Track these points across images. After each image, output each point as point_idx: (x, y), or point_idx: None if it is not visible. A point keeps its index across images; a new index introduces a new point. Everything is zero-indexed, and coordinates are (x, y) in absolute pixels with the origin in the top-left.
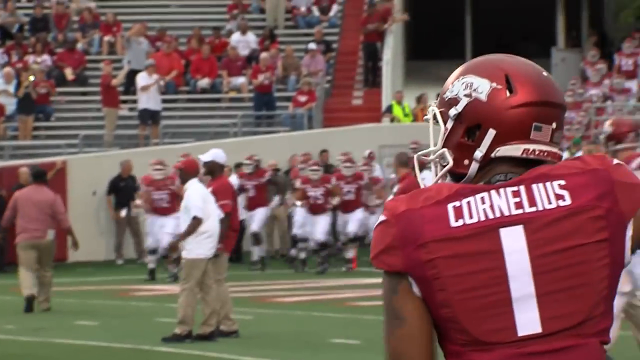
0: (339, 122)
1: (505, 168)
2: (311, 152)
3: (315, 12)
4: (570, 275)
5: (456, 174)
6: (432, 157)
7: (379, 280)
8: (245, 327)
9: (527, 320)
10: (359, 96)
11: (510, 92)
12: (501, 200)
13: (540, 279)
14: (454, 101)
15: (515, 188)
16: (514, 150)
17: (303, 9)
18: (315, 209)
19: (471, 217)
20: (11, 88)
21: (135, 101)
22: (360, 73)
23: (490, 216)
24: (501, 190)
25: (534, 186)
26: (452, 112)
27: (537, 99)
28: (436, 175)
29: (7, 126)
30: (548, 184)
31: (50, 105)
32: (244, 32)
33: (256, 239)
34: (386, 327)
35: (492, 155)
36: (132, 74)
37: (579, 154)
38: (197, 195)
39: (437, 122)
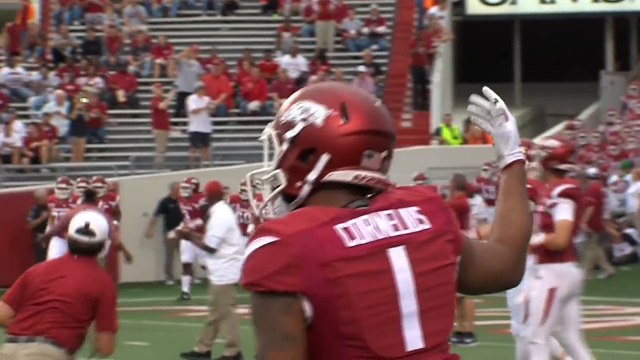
0: None
1: (347, 194)
2: None
3: (365, 35)
4: (440, 294)
5: (288, 195)
6: (265, 177)
7: None
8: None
9: (413, 336)
10: (408, 119)
11: (345, 119)
12: (382, 223)
13: (421, 296)
14: (291, 124)
15: (389, 212)
16: (345, 175)
17: (353, 32)
18: None
19: (362, 237)
20: (64, 110)
21: (186, 123)
22: (409, 96)
23: (379, 237)
24: (379, 213)
25: (401, 210)
26: (289, 134)
27: (369, 128)
28: (268, 194)
29: (60, 147)
30: (409, 209)
31: (102, 127)
32: (294, 54)
33: None
34: (273, 348)
35: (325, 179)
36: (182, 97)
37: (628, 177)
38: (220, 223)
39: (272, 144)
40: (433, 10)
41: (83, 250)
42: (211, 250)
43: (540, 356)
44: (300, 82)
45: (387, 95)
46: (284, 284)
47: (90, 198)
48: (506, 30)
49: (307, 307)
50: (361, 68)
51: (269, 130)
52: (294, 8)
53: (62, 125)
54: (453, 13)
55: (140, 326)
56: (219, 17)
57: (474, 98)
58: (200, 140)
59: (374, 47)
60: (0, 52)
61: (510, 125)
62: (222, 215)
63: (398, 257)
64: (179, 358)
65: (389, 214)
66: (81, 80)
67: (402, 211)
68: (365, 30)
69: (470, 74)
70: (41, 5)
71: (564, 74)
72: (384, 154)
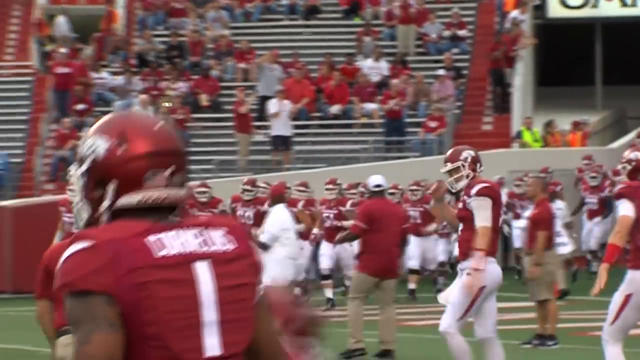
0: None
1: (152, 215)
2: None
3: (446, 38)
4: (239, 308)
5: (97, 223)
6: (74, 207)
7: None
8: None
9: (212, 343)
10: (489, 122)
11: (124, 147)
12: (190, 238)
13: (222, 308)
14: (82, 160)
15: (198, 230)
16: (130, 198)
17: (434, 35)
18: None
19: (171, 249)
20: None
21: (268, 127)
22: (489, 99)
23: (186, 250)
24: (188, 230)
25: (210, 230)
26: (82, 169)
27: (148, 150)
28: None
29: None
30: (217, 231)
31: (186, 131)
32: (375, 58)
33: None
34: (99, 331)
35: (115, 206)
36: (264, 100)
37: None
38: (275, 222)
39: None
40: (514, 13)
41: None
42: (264, 247)
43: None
44: (381, 85)
45: (467, 99)
46: (96, 284)
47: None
48: (587, 33)
49: (116, 308)
50: (441, 71)
51: (74, 167)
52: (375, 12)
53: None
54: (534, 16)
55: None
56: (300, 22)
57: None
58: (281, 143)
59: (455, 50)
60: (86, 59)
61: None
62: (278, 215)
63: (203, 270)
64: None
65: (197, 232)
66: (165, 85)
67: (211, 231)
68: (446, 33)
69: (551, 77)
70: (125, 11)
71: None
72: (169, 170)
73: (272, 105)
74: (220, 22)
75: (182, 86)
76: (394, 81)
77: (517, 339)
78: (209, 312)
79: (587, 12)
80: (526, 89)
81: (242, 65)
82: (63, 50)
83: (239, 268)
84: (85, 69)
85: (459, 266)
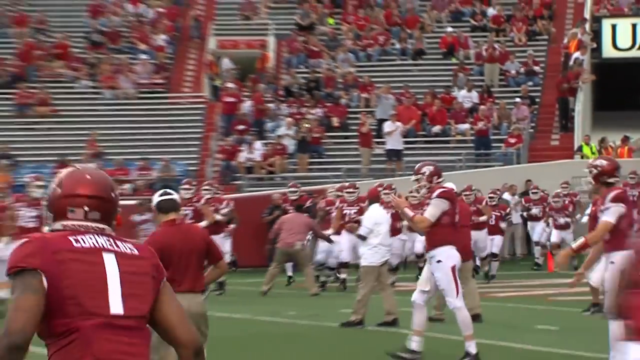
0: (541, 159)
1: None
2: (518, 182)
3: (522, 74)
4: (138, 287)
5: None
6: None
7: (568, 280)
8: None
9: (116, 305)
10: (556, 139)
11: (57, 190)
12: (101, 240)
13: (123, 284)
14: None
15: (109, 238)
16: (58, 225)
17: (513, 71)
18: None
19: (85, 243)
20: (292, 133)
21: (384, 143)
22: (556, 121)
23: (97, 245)
24: (99, 236)
25: (118, 241)
26: (44, 202)
27: (67, 193)
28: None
29: (289, 161)
30: (126, 244)
31: (321, 146)
32: (467, 89)
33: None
34: (24, 294)
35: (53, 228)
36: (380, 122)
37: None
38: (369, 218)
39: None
40: (576, 54)
41: None
42: (362, 238)
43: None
44: (472, 110)
45: (539, 121)
46: (28, 263)
47: (299, 209)
48: (634, 69)
49: (44, 281)
50: (519, 100)
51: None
52: (467, 54)
53: (290, 144)
54: (592, 57)
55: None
56: (409, 61)
57: None
58: (394, 155)
59: (530, 83)
60: (246, 89)
61: None
62: (373, 213)
63: (109, 258)
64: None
65: (108, 239)
66: (305, 110)
67: (119, 241)
68: (523, 70)
69: (606, 104)
70: (275, 54)
71: None
72: (85, 209)
73: (387, 126)
74: (347, 62)
75: (318, 111)
76: (482, 107)
77: (579, 308)
78: (113, 285)
79: (633, 53)
80: (585, 113)
81: (364, 95)
82: (230, 84)
83: (139, 263)
84: (261, 99)
85: (427, 255)
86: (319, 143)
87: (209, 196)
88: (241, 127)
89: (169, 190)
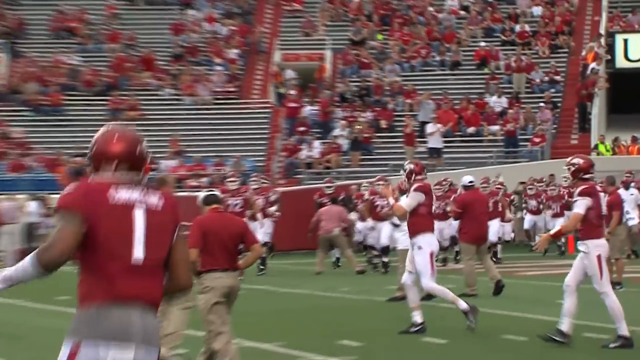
0: (562, 156)
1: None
2: (543, 175)
3: (546, 82)
4: (159, 237)
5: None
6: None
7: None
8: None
9: (139, 252)
10: (575, 138)
11: (94, 149)
12: (135, 194)
13: (147, 236)
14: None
15: (139, 189)
16: (98, 177)
17: (538, 80)
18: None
19: (121, 197)
20: (345, 133)
21: (425, 142)
22: (575, 123)
23: (131, 200)
24: (133, 188)
25: (150, 192)
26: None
27: (103, 150)
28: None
29: (343, 158)
30: (155, 194)
31: (371, 145)
32: (498, 96)
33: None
34: (64, 224)
35: (93, 179)
36: (423, 125)
37: None
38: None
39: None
40: (593, 65)
41: None
42: (396, 225)
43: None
44: (502, 114)
45: (561, 123)
46: (73, 206)
47: (335, 202)
48: None
49: (83, 223)
50: (542, 104)
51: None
52: (498, 65)
53: (344, 143)
54: (606, 67)
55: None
56: (448, 72)
57: None
58: (435, 153)
59: (552, 90)
60: (306, 97)
61: None
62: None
63: (139, 213)
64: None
65: (140, 191)
66: (357, 114)
67: (149, 194)
68: (546, 78)
69: (619, 108)
70: (331, 65)
71: None
72: (115, 162)
73: (429, 127)
74: (393, 72)
75: (368, 115)
76: (510, 111)
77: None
78: (139, 235)
79: None
80: (601, 116)
81: (408, 100)
82: (292, 92)
83: (162, 218)
84: (327, 103)
85: (411, 241)
86: (369, 142)
87: (256, 186)
88: (302, 128)
89: (213, 190)
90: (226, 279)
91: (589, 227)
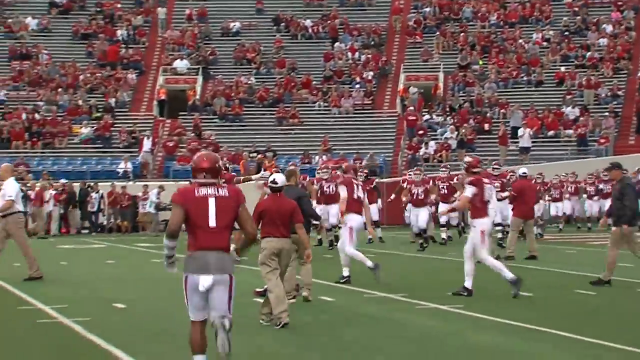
0: (622, 153)
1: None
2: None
3: (609, 96)
4: (224, 212)
5: None
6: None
7: None
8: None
9: (212, 221)
10: (632, 140)
11: (193, 164)
12: (210, 190)
13: (217, 213)
14: None
15: (214, 187)
16: (195, 181)
17: (603, 95)
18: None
19: (202, 192)
20: (454, 135)
21: (517, 142)
22: (633, 128)
23: (207, 193)
24: (209, 187)
25: (219, 188)
26: None
27: (196, 167)
28: None
29: (452, 154)
30: (223, 189)
31: (474, 144)
32: (572, 107)
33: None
34: (172, 214)
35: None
36: (514, 129)
37: None
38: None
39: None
40: None
41: None
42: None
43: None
44: (575, 120)
45: (621, 128)
46: (178, 201)
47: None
48: None
49: (183, 209)
50: (607, 114)
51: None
52: (572, 83)
53: (453, 143)
54: None
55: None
56: (533, 88)
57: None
58: (524, 151)
59: (614, 102)
60: (424, 108)
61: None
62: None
63: (211, 200)
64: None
65: (214, 188)
66: (463, 120)
67: (220, 188)
68: (610, 94)
69: None
70: (444, 84)
71: None
72: (203, 174)
73: (520, 131)
74: (491, 89)
75: (471, 122)
76: (581, 119)
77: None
78: (212, 212)
79: None
80: None
81: (502, 110)
82: (411, 108)
83: (227, 201)
84: (439, 113)
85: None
86: (472, 142)
87: (327, 177)
88: (420, 132)
89: (276, 178)
90: (281, 243)
91: (475, 209)
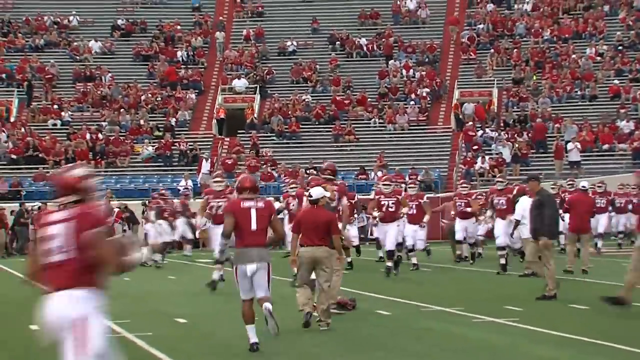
0: None
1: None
2: None
3: None
4: (262, 218)
5: None
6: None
7: None
8: None
9: (254, 225)
10: None
11: (238, 184)
12: (251, 203)
13: (257, 219)
14: None
15: (254, 200)
16: (237, 196)
17: None
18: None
19: (245, 204)
20: (508, 150)
21: (568, 156)
22: None
23: (249, 204)
24: (250, 200)
25: (259, 200)
26: None
27: (240, 186)
28: None
29: (507, 169)
30: (261, 201)
31: (528, 158)
32: (627, 121)
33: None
34: (225, 222)
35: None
36: (566, 143)
37: None
38: (520, 206)
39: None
40: None
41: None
42: (517, 222)
43: None
44: (630, 134)
45: None
46: (229, 211)
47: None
48: None
49: (233, 217)
50: None
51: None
52: (627, 97)
53: (507, 157)
54: None
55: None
56: (587, 102)
57: None
58: (575, 165)
59: None
60: (479, 123)
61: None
62: (522, 203)
63: (252, 211)
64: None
65: (255, 201)
66: (515, 135)
67: (259, 201)
68: None
69: None
70: (497, 99)
71: None
72: (245, 192)
73: (569, 145)
74: (545, 104)
75: (525, 136)
76: (636, 132)
77: None
78: (253, 219)
79: None
80: None
81: (557, 125)
82: (469, 123)
83: (263, 211)
84: (494, 128)
85: None
86: (526, 157)
87: (388, 191)
88: (475, 147)
89: (312, 192)
90: (316, 251)
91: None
